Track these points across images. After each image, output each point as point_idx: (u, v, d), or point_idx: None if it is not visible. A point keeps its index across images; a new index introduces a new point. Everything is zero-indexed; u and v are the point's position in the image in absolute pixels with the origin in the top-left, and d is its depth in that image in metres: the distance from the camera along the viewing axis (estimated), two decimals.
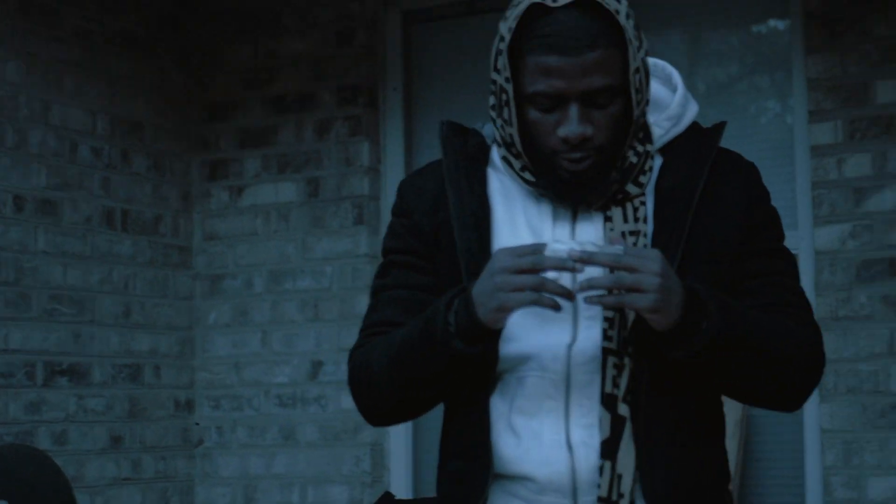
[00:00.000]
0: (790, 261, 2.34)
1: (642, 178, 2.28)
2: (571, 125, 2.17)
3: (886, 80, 4.49)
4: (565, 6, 2.17)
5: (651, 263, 2.10)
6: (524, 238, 2.25)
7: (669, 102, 2.35)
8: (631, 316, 2.19)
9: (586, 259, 2.09)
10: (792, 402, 2.33)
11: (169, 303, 5.33)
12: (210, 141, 5.47)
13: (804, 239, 4.63)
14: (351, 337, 4.94)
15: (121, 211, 5.15)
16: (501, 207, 2.30)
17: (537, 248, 2.07)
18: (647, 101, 2.27)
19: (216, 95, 5.48)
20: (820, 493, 4.55)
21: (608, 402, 2.18)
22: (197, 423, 5.39)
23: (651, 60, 2.32)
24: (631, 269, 2.09)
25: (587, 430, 2.18)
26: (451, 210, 2.28)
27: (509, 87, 2.21)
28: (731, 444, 4.54)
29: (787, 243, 4.28)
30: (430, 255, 2.32)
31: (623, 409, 2.18)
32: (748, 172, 2.33)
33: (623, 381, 2.18)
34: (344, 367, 4.90)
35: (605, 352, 2.19)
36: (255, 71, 5.42)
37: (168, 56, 5.42)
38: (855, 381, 4.46)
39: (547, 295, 2.05)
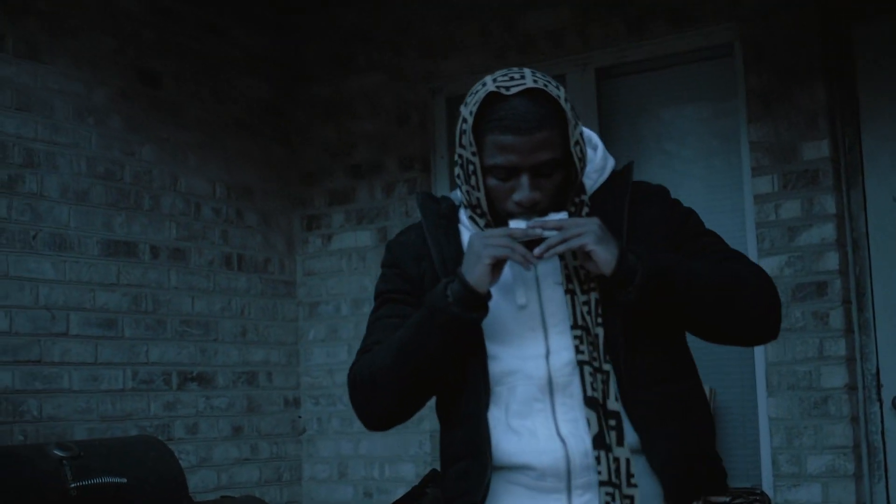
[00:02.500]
0: (719, 237, 2.31)
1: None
2: (524, 192, 2.15)
3: (810, 142, 4.42)
4: (517, 94, 2.13)
5: (590, 221, 2.13)
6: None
7: (593, 158, 2.31)
8: (600, 334, 2.15)
9: (541, 224, 2.12)
10: (759, 330, 2.25)
11: (278, 324, 5.36)
12: (306, 200, 5.51)
13: None
14: None
15: (237, 256, 5.20)
16: None
17: (505, 230, 2.10)
18: (584, 167, 2.23)
19: (309, 165, 5.51)
20: (770, 469, 4.48)
21: (591, 403, 2.13)
22: (300, 416, 5.43)
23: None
24: (576, 226, 2.12)
25: (572, 423, 2.16)
26: (433, 257, 2.25)
27: (476, 160, 2.17)
28: None
29: None
30: (416, 294, 2.28)
31: (614, 405, 2.14)
32: (657, 192, 2.32)
33: (599, 384, 2.14)
34: None
35: (581, 364, 2.15)
36: (337, 146, 5.46)
37: (271, 136, 5.46)
38: (794, 379, 4.40)
39: (518, 250, 2.07)
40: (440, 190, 5.29)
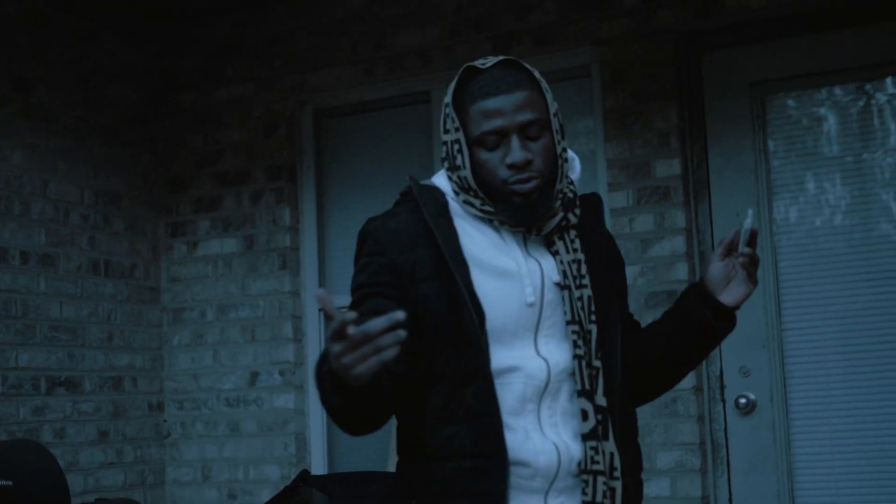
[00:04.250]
0: None
1: (577, 211, 2.26)
2: (515, 153, 2.13)
3: (662, 160, 4.59)
4: (493, 65, 2.17)
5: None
6: (495, 256, 2.18)
7: (574, 166, 2.34)
8: (593, 330, 2.16)
9: (738, 238, 2.23)
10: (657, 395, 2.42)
11: (143, 329, 5.33)
12: (172, 207, 5.49)
13: None
14: (279, 354, 5.22)
15: (104, 262, 5.17)
16: (469, 244, 2.19)
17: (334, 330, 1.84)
18: (566, 149, 2.23)
19: (176, 173, 5.51)
20: None
21: (587, 395, 2.13)
22: (165, 420, 5.41)
23: None
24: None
25: (554, 428, 2.16)
26: (441, 244, 2.15)
27: (460, 135, 2.16)
28: None
29: None
30: (400, 286, 2.16)
31: (602, 400, 2.14)
32: (611, 237, 2.42)
33: (588, 379, 2.14)
34: (276, 376, 5.18)
35: (578, 358, 2.14)
36: (205, 154, 5.46)
37: (139, 144, 5.42)
38: None
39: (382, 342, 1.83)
40: (306, 200, 5.34)
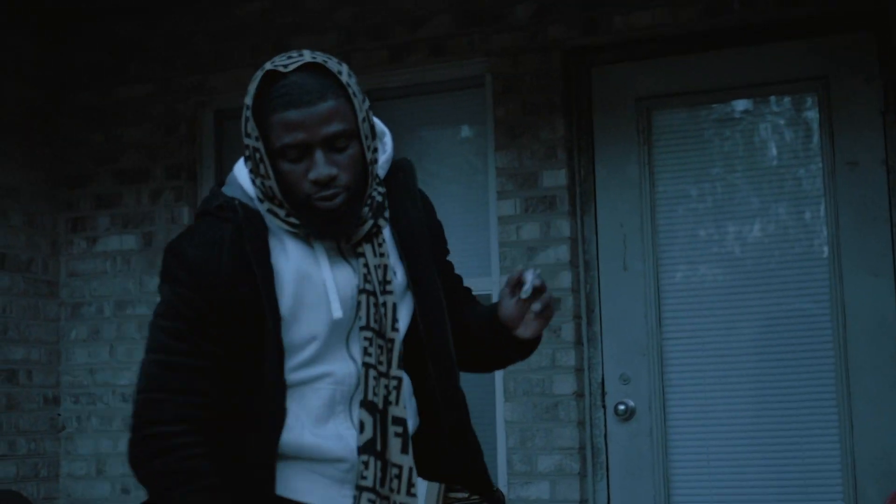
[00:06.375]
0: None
1: (386, 214, 2.17)
2: (319, 168, 2.01)
3: (549, 170, 4.67)
4: (295, 70, 2.02)
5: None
6: (297, 282, 2.08)
7: (385, 148, 2.22)
8: (395, 338, 2.12)
9: (541, 285, 2.14)
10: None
11: (40, 323, 5.33)
12: (72, 203, 5.47)
13: (495, 283, 4.70)
14: None
15: (0, 254, 5.18)
16: (282, 261, 2.10)
17: None
18: (376, 149, 2.12)
19: (77, 169, 5.48)
20: (505, 467, 4.66)
21: (370, 408, 2.08)
22: (59, 414, 5.39)
23: None
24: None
25: (351, 430, 2.12)
26: (261, 287, 2.05)
27: (260, 145, 2.03)
28: None
29: (482, 287, 4.59)
30: (223, 324, 2.06)
31: (397, 411, 2.10)
32: (424, 195, 2.31)
33: (382, 389, 2.09)
34: None
35: (367, 366, 2.08)
36: (105, 152, 5.45)
37: (39, 140, 5.42)
38: (528, 385, 4.61)
39: None
40: None
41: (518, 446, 4.68)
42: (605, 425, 4.71)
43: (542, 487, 4.61)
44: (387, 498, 2.08)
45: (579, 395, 4.65)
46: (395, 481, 2.08)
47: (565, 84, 4.76)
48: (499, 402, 4.79)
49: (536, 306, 2.16)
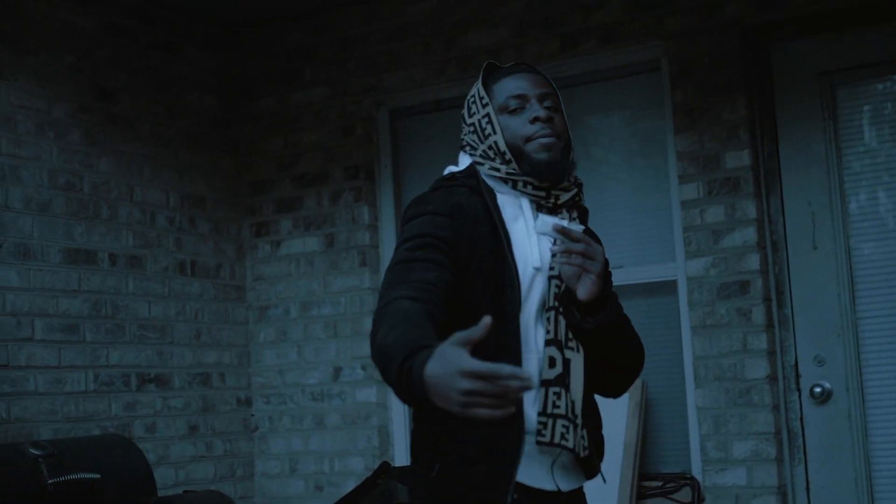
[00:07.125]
0: None
1: (580, 196, 2.44)
2: (538, 110, 2.36)
3: (731, 152, 4.60)
4: (513, 64, 2.49)
5: (598, 246, 2.31)
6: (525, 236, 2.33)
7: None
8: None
9: (564, 230, 2.28)
10: (627, 387, 2.48)
11: (230, 327, 5.45)
12: (255, 208, 5.59)
13: (680, 268, 4.71)
14: (361, 349, 5.30)
15: (190, 262, 5.30)
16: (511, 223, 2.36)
17: (495, 374, 1.75)
18: (570, 140, 2.43)
19: (258, 175, 5.61)
20: (699, 455, 4.64)
21: (558, 345, 2.28)
22: (252, 415, 5.52)
23: None
24: (587, 243, 2.28)
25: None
26: (500, 232, 2.30)
27: (488, 108, 2.39)
28: (633, 422, 4.62)
29: (667, 273, 4.57)
30: (457, 252, 2.26)
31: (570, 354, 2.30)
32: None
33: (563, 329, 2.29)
34: (358, 371, 5.27)
35: (551, 309, 2.30)
36: (285, 157, 5.55)
37: (220, 148, 5.56)
38: (719, 371, 4.56)
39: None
40: (384, 198, 5.41)
41: (711, 433, 4.62)
42: (801, 409, 4.62)
43: (739, 474, 4.55)
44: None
45: (773, 378, 4.57)
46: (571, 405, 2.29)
47: (744, 63, 4.68)
48: (689, 388, 4.74)
49: (557, 248, 2.31)
